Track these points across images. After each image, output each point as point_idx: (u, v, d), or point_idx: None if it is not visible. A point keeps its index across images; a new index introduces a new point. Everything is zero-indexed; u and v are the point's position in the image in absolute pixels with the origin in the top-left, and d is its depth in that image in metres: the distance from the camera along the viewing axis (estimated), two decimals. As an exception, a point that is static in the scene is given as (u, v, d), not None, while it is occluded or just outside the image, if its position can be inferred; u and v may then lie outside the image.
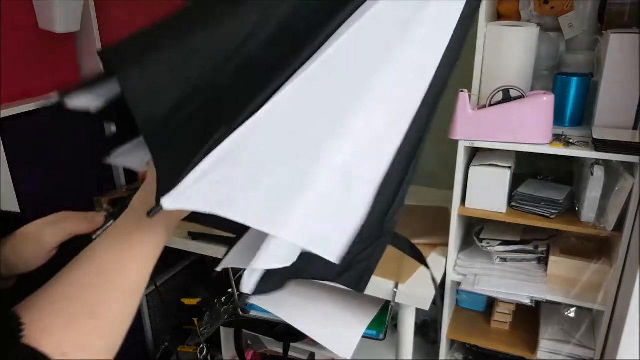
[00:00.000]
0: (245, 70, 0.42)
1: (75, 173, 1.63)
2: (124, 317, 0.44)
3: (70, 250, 0.53)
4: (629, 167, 1.14)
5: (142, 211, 0.44)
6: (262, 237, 0.45)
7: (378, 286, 1.15)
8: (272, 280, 0.55)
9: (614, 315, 1.20)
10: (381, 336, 1.30)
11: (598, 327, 1.27)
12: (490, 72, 1.27)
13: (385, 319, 1.31)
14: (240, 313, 1.42)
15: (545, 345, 1.33)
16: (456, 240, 1.35)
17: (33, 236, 0.57)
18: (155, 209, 0.37)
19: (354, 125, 0.44)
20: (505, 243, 1.34)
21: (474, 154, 1.35)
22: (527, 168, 1.41)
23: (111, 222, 0.58)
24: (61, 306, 0.40)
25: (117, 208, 0.58)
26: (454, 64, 0.50)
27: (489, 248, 1.33)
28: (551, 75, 1.34)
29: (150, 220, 0.42)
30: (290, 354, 1.55)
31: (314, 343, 1.36)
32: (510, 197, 1.28)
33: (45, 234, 0.56)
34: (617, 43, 1.16)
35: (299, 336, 1.42)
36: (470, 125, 1.20)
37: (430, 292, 1.15)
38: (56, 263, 0.55)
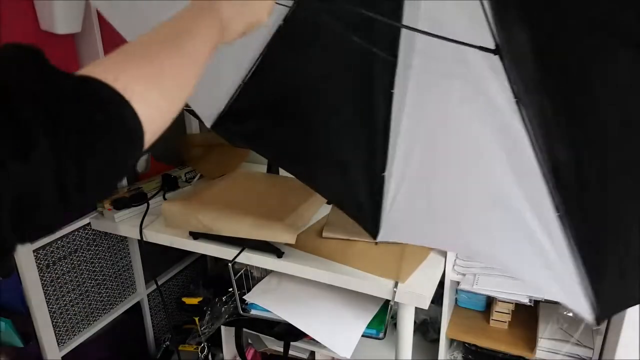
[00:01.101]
0: None
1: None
2: (185, 83, 0.48)
3: None
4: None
5: None
6: None
7: (378, 285, 1.16)
8: None
9: (612, 314, 1.20)
10: (381, 335, 1.31)
11: (597, 326, 1.27)
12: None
13: (385, 317, 1.31)
14: (241, 312, 1.43)
15: (543, 344, 1.33)
16: (455, 239, 1.35)
17: None
18: None
19: None
20: (504, 242, 1.35)
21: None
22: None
23: None
24: (133, 58, 0.44)
25: None
26: None
27: (488, 247, 1.34)
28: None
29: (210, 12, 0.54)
30: (291, 352, 1.56)
31: (314, 342, 1.36)
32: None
33: None
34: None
35: (299, 335, 1.43)
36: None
37: (430, 292, 1.15)
38: None
